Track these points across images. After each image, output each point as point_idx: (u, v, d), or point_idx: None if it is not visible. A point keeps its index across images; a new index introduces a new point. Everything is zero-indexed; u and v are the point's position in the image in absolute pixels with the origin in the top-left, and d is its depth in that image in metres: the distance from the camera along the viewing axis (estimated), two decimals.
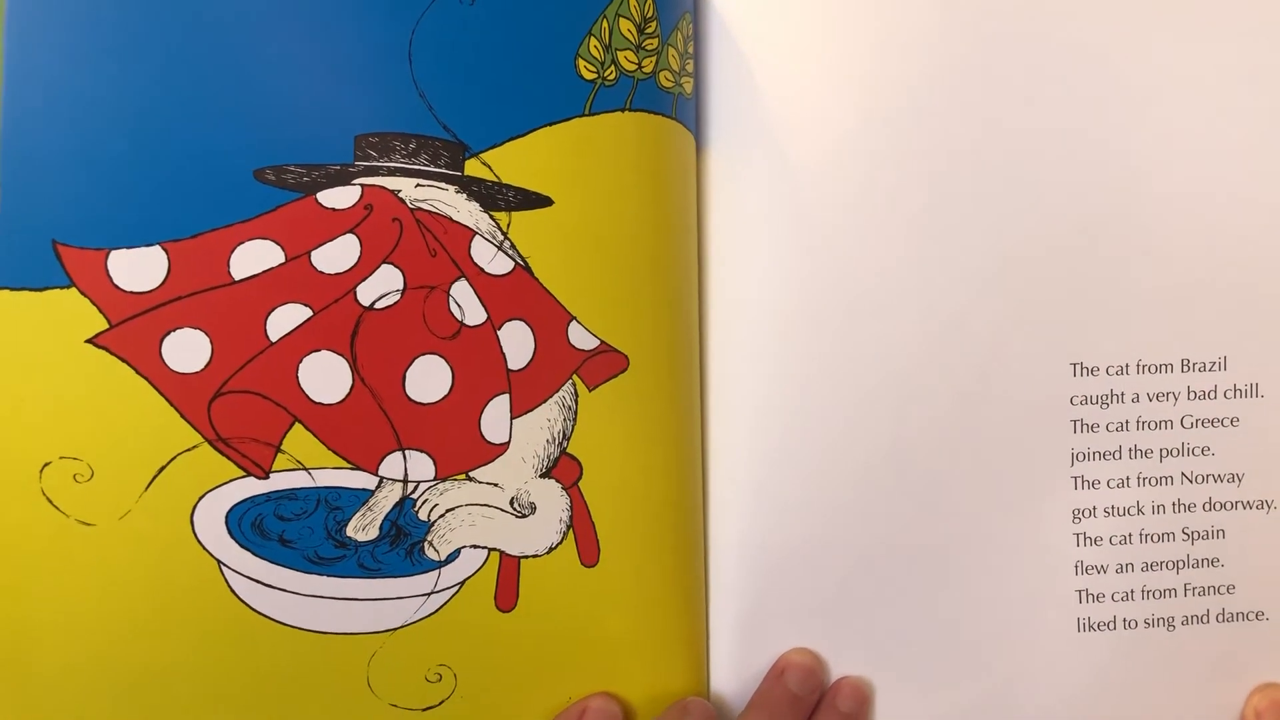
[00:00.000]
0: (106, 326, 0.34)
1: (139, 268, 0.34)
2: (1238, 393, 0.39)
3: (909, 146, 0.39)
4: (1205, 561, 0.39)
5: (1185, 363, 0.39)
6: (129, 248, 0.34)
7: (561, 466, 0.37)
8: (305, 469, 0.35)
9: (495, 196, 0.36)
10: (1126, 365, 0.39)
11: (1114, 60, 0.39)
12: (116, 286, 0.34)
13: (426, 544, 0.36)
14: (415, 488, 0.36)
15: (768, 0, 0.39)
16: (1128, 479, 0.39)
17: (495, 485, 0.37)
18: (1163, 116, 0.39)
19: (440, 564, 0.36)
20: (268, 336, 0.35)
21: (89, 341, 0.34)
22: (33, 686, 0.35)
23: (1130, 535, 0.39)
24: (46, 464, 0.34)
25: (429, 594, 0.36)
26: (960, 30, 0.39)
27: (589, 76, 0.37)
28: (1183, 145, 0.39)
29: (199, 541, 0.35)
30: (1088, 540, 0.39)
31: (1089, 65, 0.39)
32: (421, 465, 0.36)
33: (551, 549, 0.37)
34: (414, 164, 0.36)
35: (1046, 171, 0.39)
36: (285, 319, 0.35)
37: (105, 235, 0.34)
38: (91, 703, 0.35)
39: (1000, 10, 0.39)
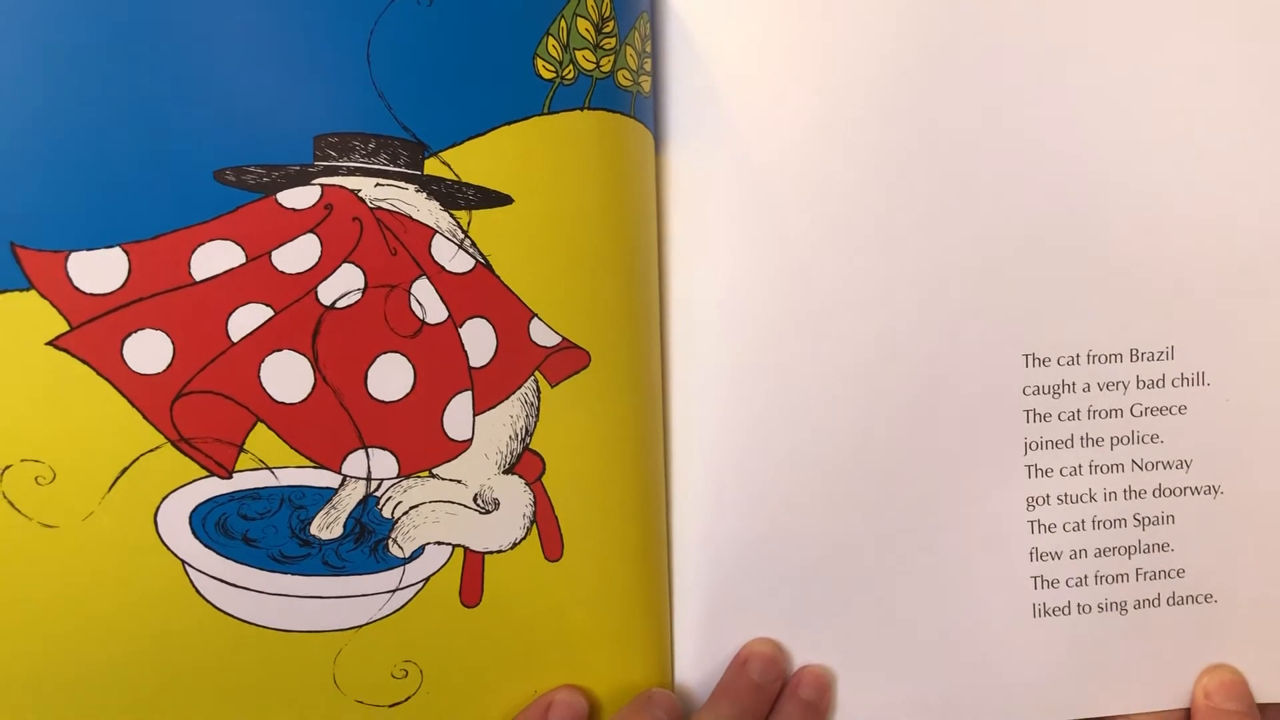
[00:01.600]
0: (67, 329, 0.34)
1: (99, 269, 0.34)
2: (1185, 381, 0.40)
3: (865, 143, 0.39)
4: (1155, 546, 0.40)
5: (1134, 353, 0.40)
6: (89, 249, 0.34)
7: (524, 462, 0.37)
8: (268, 468, 0.35)
9: (455, 195, 0.36)
10: (1077, 356, 0.40)
11: (1063, 58, 0.40)
12: (77, 288, 0.34)
13: (390, 541, 0.36)
14: (379, 485, 0.36)
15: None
16: (1080, 467, 0.40)
17: (458, 482, 0.37)
18: (1112, 113, 0.40)
19: (404, 561, 0.37)
20: (229, 337, 0.35)
21: (49, 344, 0.34)
22: None
23: (1083, 522, 0.40)
24: (7, 467, 0.34)
25: (394, 591, 0.36)
26: (916, 30, 0.39)
27: (547, 76, 0.37)
28: (1130, 141, 0.40)
29: (163, 542, 0.35)
30: (1042, 527, 0.40)
31: (1039, 63, 0.40)
32: (384, 463, 0.36)
33: (515, 544, 0.37)
34: (373, 163, 0.36)
35: (1000, 168, 0.40)
36: (246, 319, 0.35)
37: (65, 237, 0.34)
38: (55, 703, 0.35)
39: (956, 10, 0.40)
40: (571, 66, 0.37)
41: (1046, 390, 0.40)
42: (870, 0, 0.39)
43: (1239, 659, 0.40)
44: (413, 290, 0.36)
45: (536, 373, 0.37)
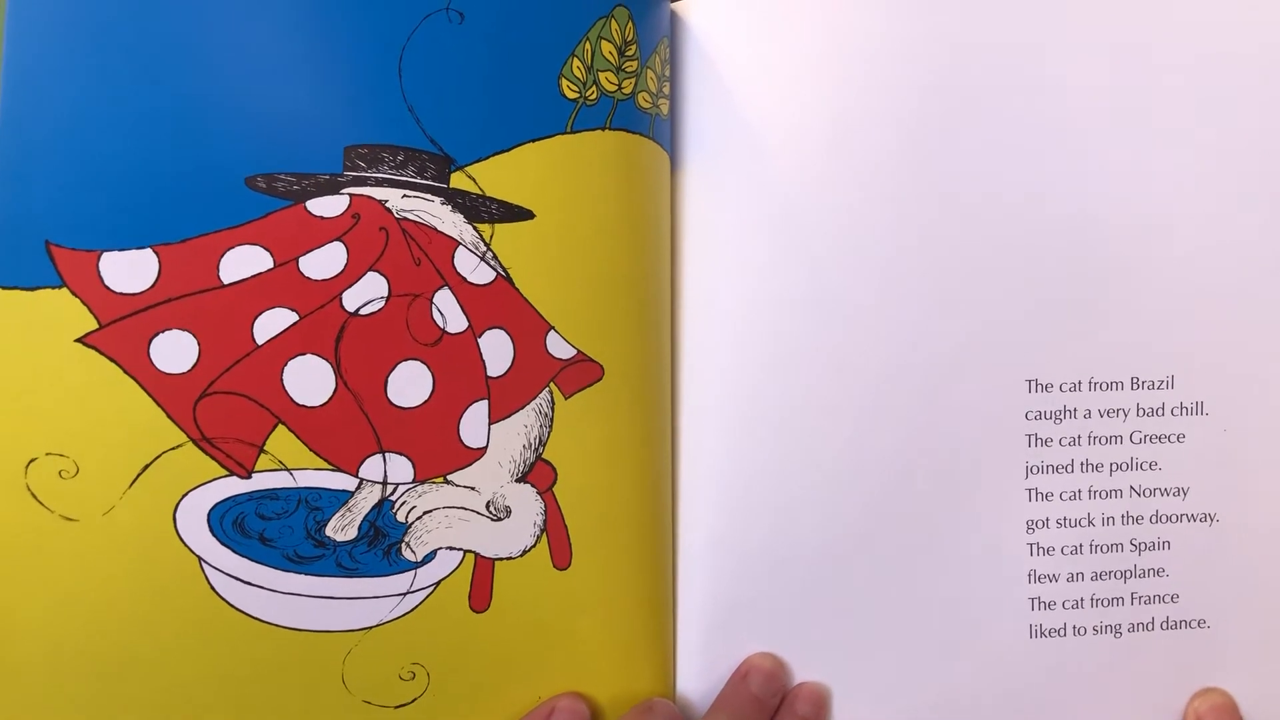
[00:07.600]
0: (96, 326, 0.35)
1: (130, 270, 0.35)
2: (1184, 410, 0.41)
3: (876, 169, 0.40)
4: (1151, 571, 0.41)
5: (1135, 381, 0.41)
6: (121, 250, 0.35)
7: (537, 472, 0.38)
8: (287, 469, 0.36)
9: (479, 209, 0.37)
10: (1079, 382, 0.41)
11: (1071, 92, 0.41)
12: (107, 287, 0.35)
13: (404, 545, 0.37)
14: (394, 490, 0.37)
15: (743, 26, 0.41)
16: (1079, 492, 0.41)
17: (472, 489, 0.38)
18: (1116, 146, 0.41)
19: (416, 564, 0.37)
20: (254, 339, 0.36)
21: (79, 341, 0.35)
22: (13, 679, 0.35)
23: (1081, 546, 0.40)
24: (33, 460, 0.35)
25: (405, 594, 0.37)
26: (930, 57, 0.40)
27: (571, 96, 0.38)
28: (1136, 175, 0.41)
29: (180, 539, 0.35)
30: (1040, 550, 0.40)
31: (1049, 95, 0.41)
32: (401, 468, 0.37)
33: (525, 552, 0.38)
34: (401, 175, 0.37)
35: (1007, 196, 0.40)
36: (272, 323, 0.36)
37: (98, 237, 0.35)
38: (71, 695, 0.35)
39: (970, 40, 0.41)
40: (594, 88, 0.38)
41: (1048, 415, 0.40)
42: (885, 29, 0.40)
43: (1231, 685, 0.40)
44: (434, 300, 0.37)
45: (552, 384, 0.38)
